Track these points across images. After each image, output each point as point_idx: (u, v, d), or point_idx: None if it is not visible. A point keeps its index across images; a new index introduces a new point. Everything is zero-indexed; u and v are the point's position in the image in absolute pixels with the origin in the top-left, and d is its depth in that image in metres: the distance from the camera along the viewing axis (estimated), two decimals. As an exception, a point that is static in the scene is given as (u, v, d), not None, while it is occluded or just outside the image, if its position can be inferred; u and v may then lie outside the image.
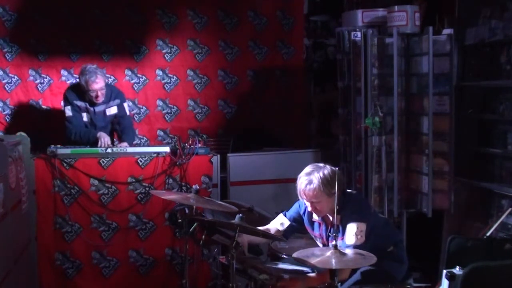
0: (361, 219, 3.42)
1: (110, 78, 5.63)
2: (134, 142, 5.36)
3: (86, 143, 5.00)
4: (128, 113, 5.32)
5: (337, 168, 3.52)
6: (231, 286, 3.32)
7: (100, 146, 4.92)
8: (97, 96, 5.04)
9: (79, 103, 5.10)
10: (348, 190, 3.69)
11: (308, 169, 3.53)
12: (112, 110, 5.20)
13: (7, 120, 5.51)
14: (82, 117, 5.11)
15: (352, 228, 3.41)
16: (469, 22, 5.04)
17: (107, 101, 5.15)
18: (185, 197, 3.85)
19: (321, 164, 3.54)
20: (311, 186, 3.45)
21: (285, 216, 3.80)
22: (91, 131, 5.09)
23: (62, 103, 5.28)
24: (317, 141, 6.10)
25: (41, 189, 4.77)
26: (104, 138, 4.98)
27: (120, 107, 5.22)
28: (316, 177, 3.45)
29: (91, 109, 5.12)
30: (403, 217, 4.95)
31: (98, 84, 5.00)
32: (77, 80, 5.22)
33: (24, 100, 5.55)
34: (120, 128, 5.26)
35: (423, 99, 4.83)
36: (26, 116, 5.54)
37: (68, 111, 5.08)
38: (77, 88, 5.12)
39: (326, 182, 3.43)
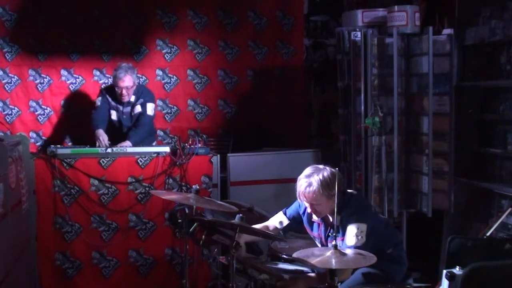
0: (361, 220, 3.41)
1: (110, 78, 5.62)
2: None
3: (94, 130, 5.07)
4: (150, 113, 5.23)
5: (336, 169, 3.51)
6: (231, 286, 3.32)
7: (98, 146, 4.93)
8: (121, 94, 5.10)
9: (110, 99, 5.19)
10: (348, 191, 3.68)
11: (307, 171, 3.51)
12: (137, 109, 5.21)
13: (7, 120, 5.51)
14: (107, 109, 5.17)
15: (352, 229, 3.39)
16: (469, 22, 5.05)
17: (135, 102, 5.18)
18: (185, 197, 3.85)
19: (321, 166, 3.53)
20: (311, 188, 3.43)
21: (285, 214, 3.79)
22: (98, 125, 5.08)
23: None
24: (317, 141, 6.09)
25: (41, 189, 4.78)
26: (100, 137, 4.98)
27: (143, 105, 5.21)
28: (315, 180, 3.43)
29: (120, 108, 5.18)
30: (403, 217, 4.95)
31: (124, 82, 5.05)
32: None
33: (24, 100, 5.54)
34: (134, 125, 5.22)
35: (423, 99, 4.83)
36: (26, 116, 5.54)
37: (97, 101, 5.21)
38: (113, 88, 5.21)
39: (326, 185, 3.42)
